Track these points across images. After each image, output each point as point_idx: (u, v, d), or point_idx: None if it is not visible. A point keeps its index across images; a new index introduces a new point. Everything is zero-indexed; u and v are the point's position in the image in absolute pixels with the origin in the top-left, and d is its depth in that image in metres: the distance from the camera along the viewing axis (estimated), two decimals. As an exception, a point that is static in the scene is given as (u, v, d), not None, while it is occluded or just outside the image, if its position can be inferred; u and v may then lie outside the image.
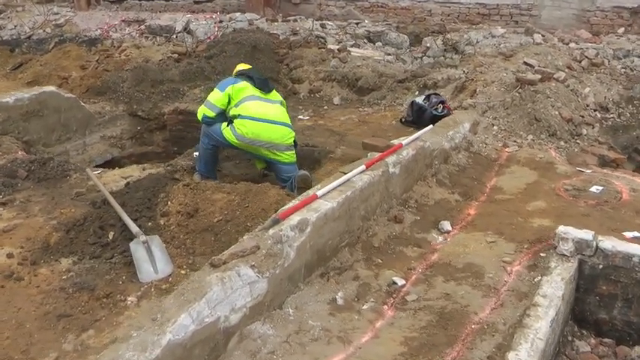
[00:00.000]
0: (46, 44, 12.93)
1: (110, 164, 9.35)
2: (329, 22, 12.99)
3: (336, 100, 9.87)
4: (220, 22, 13.45)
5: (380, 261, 5.40)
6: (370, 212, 5.73)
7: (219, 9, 15.84)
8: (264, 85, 6.96)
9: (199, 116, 6.88)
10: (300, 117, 9.33)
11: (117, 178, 6.91)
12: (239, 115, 6.63)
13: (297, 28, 12.56)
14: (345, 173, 5.69)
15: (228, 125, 6.71)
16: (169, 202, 5.69)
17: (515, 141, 8.28)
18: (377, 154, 6.27)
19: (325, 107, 9.86)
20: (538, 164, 7.65)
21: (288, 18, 13.92)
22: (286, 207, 5.03)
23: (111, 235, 5.47)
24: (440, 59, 11.06)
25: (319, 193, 5.20)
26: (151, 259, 5.01)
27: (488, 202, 6.69)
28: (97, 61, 11.20)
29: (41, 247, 5.44)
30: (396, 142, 6.67)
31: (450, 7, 14.39)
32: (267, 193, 5.64)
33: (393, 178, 6.11)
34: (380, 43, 11.98)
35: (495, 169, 7.63)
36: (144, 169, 7.19)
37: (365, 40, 11.92)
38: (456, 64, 10.26)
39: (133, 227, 5.29)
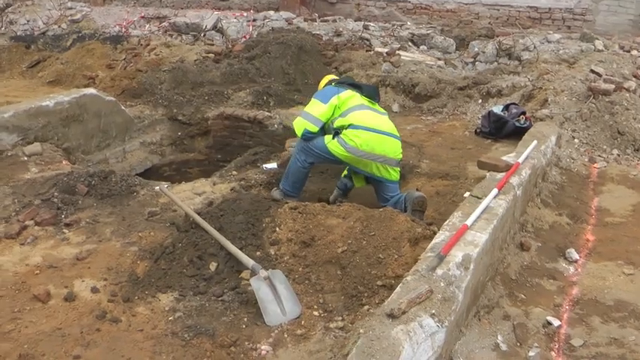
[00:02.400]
0: (64, 41, 11.98)
1: (150, 173, 8.47)
2: (371, 24, 12.16)
3: (395, 108, 9.11)
4: (254, 20, 12.55)
5: (523, 296, 4.79)
6: (502, 240, 5.05)
7: (249, 7, 14.95)
8: (373, 93, 6.16)
9: (299, 132, 6.01)
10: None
11: (189, 194, 6.09)
12: (350, 125, 5.79)
13: (341, 29, 11.75)
14: (479, 197, 5.01)
15: (334, 138, 5.85)
16: (277, 229, 4.92)
17: (600, 156, 7.71)
18: (496, 174, 5.56)
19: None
20: (634, 182, 7.08)
21: (326, 18, 13.13)
22: (439, 239, 4.26)
23: (213, 266, 4.72)
24: (494, 65, 10.30)
25: (468, 222, 4.39)
26: (277, 298, 4.25)
27: (600, 225, 6.11)
28: (124, 60, 10.25)
29: (129, 279, 4.69)
30: (506, 159, 5.90)
31: (498, 10, 13.71)
32: (395, 219, 4.86)
33: (518, 201, 5.42)
34: (424, 47, 11.24)
35: (591, 187, 7.07)
36: (214, 184, 6.39)
37: (409, 43, 11.11)
38: (518, 71, 9.51)
39: (247, 260, 4.52)
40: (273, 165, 6.93)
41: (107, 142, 8.18)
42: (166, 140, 8.94)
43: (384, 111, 6.17)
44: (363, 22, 12.61)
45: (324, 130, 5.98)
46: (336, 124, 5.82)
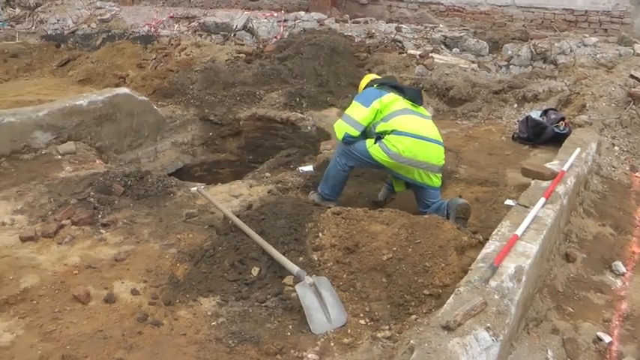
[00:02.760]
0: (93, 40, 11.98)
1: (181, 173, 8.40)
2: (404, 26, 12.02)
3: (429, 111, 8.91)
4: (285, 21, 12.45)
5: (571, 310, 4.65)
6: (549, 251, 4.95)
7: (279, 7, 14.86)
8: (416, 97, 6.01)
9: (339, 136, 5.79)
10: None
11: (225, 196, 6.01)
12: (393, 130, 5.65)
13: (373, 31, 11.64)
14: (526, 206, 4.90)
15: (375, 142, 5.72)
16: (320, 234, 4.81)
17: (641, 164, 7.42)
18: (541, 182, 5.47)
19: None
20: (678, 193, 6.78)
21: (357, 19, 13.00)
22: (489, 249, 4.21)
23: (255, 271, 4.61)
24: (529, 69, 10.13)
25: (518, 232, 4.27)
26: (322, 305, 4.14)
27: (647, 237, 5.79)
28: (154, 59, 10.19)
29: (169, 282, 4.60)
30: (550, 167, 5.76)
31: (533, 12, 13.50)
32: (441, 227, 4.73)
33: (563, 211, 5.30)
34: (457, 49, 11.09)
35: (633, 196, 6.88)
36: (250, 186, 6.29)
37: (442, 46, 10.96)
38: (554, 75, 9.33)
39: (291, 266, 4.41)
40: (309, 168, 6.83)
41: (139, 142, 8.12)
42: (198, 140, 8.87)
43: (428, 114, 6.02)
44: (395, 24, 12.45)
45: (366, 133, 5.85)
46: (379, 128, 5.70)
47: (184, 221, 5.46)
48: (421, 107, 5.96)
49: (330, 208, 5.15)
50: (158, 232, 5.28)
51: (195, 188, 5.96)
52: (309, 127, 8.47)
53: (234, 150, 9.03)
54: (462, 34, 11.55)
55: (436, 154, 5.72)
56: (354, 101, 5.95)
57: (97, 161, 6.98)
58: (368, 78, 6.42)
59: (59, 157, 6.95)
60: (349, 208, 5.14)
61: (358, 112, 5.76)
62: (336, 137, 5.96)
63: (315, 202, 5.94)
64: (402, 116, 5.68)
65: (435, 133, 5.78)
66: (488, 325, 3.48)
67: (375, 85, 6.03)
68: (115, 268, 4.74)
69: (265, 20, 12.65)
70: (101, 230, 5.31)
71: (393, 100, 5.77)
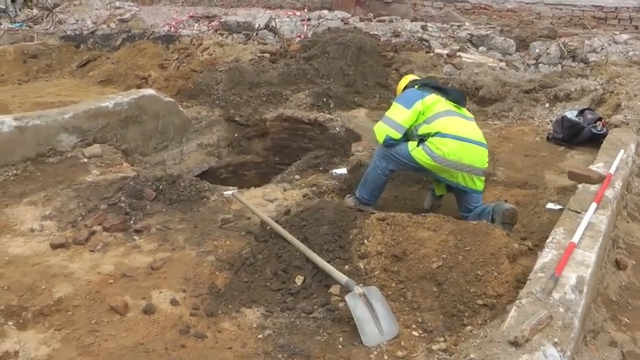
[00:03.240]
0: (113, 40, 11.81)
1: (207, 175, 8.23)
2: (429, 24, 11.80)
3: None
4: (308, 20, 12.25)
5: (627, 320, 4.45)
6: (601, 258, 4.72)
7: (301, 6, 14.66)
8: (459, 98, 5.80)
9: (380, 138, 5.60)
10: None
11: (260, 200, 5.82)
12: (437, 132, 5.44)
13: (399, 30, 11.41)
14: (578, 212, 4.73)
15: (418, 145, 5.51)
16: (366, 241, 4.60)
17: (680, 166, 7.17)
18: (589, 186, 5.30)
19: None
20: None
21: (382, 18, 12.78)
22: (546, 258, 4.04)
23: (299, 280, 4.41)
24: (558, 67, 9.89)
25: (575, 240, 4.08)
26: (374, 316, 3.94)
27: (695, 243, 5.58)
28: (176, 59, 10.01)
29: (209, 291, 4.42)
30: (596, 169, 5.54)
31: (561, 9, 13.24)
32: (491, 233, 4.52)
33: (613, 216, 5.06)
34: (483, 48, 10.85)
35: (676, 198, 6.52)
36: (285, 190, 6.10)
37: (468, 45, 10.73)
38: (586, 74, 9.09)
39: (340, 275, 4.21)
40: (343, 170, 6.64)
41: (165, 144, 7.95)
42: (223, 142, 8.71)
43: (471, 116, 5.81)
44: (420, 23, 12.23)
45: (407, 135, 5.64)
46: (421, 130, 5.49)
47: (220, 227, 5.28)
48: (464, 109, 5.76)
49: (373, 213, 4.93)
50: (194, 238, 5.09)
51: (231, 192, 5.78)
52: (337, 128, 8.27)
53: (260, 151, 8.86)
54: (488, 33, 11.33)
55: (480, 157, 5.51)
56: (394, 103, 5.74)
57: (124, 164, 6.81)
58: (407, 79, 6.21)
59: (85, 160, 6.78)
60: (394, 213, 4.92)
61: (400, 114, 5.56)
62: (375, 140, 5.73)
63: (352, 206, 5.70)
64: (445, 118, 5.48)
65: (478, 135, 5.57)
66: (556, 340, 3.29)
67: (416, 86, 5.81)
68: (151, 276, 4.55)
69: (288, 19, 12.46)
70: (134, 237, 5.13)
71: (435, 102, 5.56)
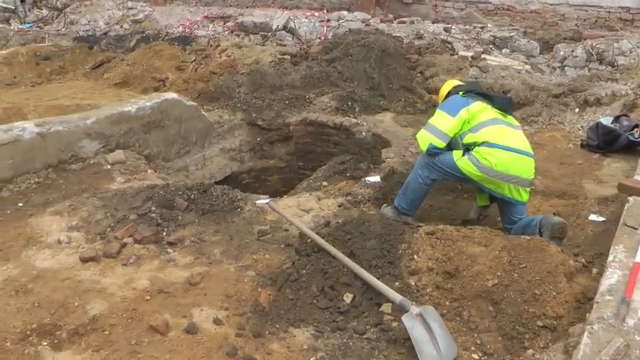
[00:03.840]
0: (127, 41, 11.57)
1: (229, 180, 8.00)
2: (452, 26, 11.56)
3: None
4: (328, 20, 12.01)
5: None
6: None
7: (318, 6, 14.40)
8: (506, 106, 5.56)
9: (423, 147, 5.36)
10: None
11: (295, 210, 5.60)
12: (484, 142, 5.20)
13: (422, 32, 11.16)
14: (635, 228, 4.48)
15: (464, 154, 5.27)
16: (415, 256, 4.39)
17: None
18: None
19: (477, 124, 8.40)
20: None
21: (403, 19, 12.55)
22: (612, 279, 3.82)
23: (348, 297, 4.21)
24: (584, 71, 9.64)
25: (639, 259, 3.87)
26: (432, 338, 3.73)
27: None
28: (194, 61, 9.77)
29: (253, 309, 4.24)
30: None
31: (587, 11, 12.98)
32: (546, 250, 4.30)
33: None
34: (507, 50, 10.62)
35: None
36: (319, 199, 5.85)
37: (491, 47, 10.49)
38: (615, 78, 8.84)
39: (393, 294, 4.01)
40: (376, 178, 6.41)
41: (187, 149, 7.73)
42: (245, 146, 8.48)
43: (517, 124, 5.56)
44: (443, 25, 12.00)
45: (450, 144, 5.40)
46: (467, 139, 5.25)
47: (257, 239, 5.05)
48: (510, 116, 5.50)
49: (420, 226, 4.70)
50: (230, 251, 4.87)
51: (264, 201, 5.56)
52: (363, 133, 8.04)
53: (284, 156, 8.63)
54: (511, 34, 11.09)
55: (528, 168, 5.28)
56: (438, 110, 5.50)
57: (149, 171, 6.60)
58: (450, 84, 5.96)
59: (109, 166, 6.57)
60: (442, 226, 4.70)
61: (444, 122, 5.31)
62: (419, 148, 5.49)
63: (390, 217, 5.47)
64: (492, 127, 5.23)
65: (526, 145, 5.33)
66: (636, 373, 3.05)
67: (460, 93, 5.56)
68: (190, 293, 4.33)
69: (306, 20, 12.21)
70: (168, 249, 4.91)
71: (481, 109, 5.32)
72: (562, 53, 10.58)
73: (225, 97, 8.71)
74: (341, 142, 8.30)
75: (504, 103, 5.55)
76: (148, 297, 4.27)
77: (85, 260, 4.68)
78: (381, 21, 12.47)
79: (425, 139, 5.37)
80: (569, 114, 8.65)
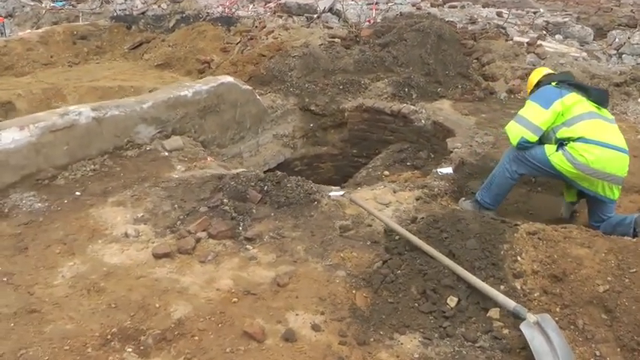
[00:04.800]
0: (165, 21, 11.23)
1: (281, 167, 7.69)
2: (504, 11, 11.12)
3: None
4: (376, 3, 11.58)
5: None
6: None
7: (362, -13, 13.95)
8: (602, 99, 5.17)
9: (514, 140, 5.01)
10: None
11: (373, 204, 5.29)
12: (580, 137, 4.83)
13: (475, 16, 10.71)
14: None
15: (558, 149, 4.90)
16: (519, 258, 4.09)
17: None
18: None
19: (541, 113, 8.00)
20: None
21: (453, 3, 12.09)
22: None
23: (452, 301, 3.89)
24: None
25: None
26: (552, 348, 3.41)
27: None
28: (239, 43, 9.40)
29: (352, 314, 3.92)
30: None
31: (644, -4, 12.48)
32: (655, 253, 3.89)
33: None
34: (560, 36, 10.16)
35: None
36: (394, 191, 5.48)
37: (544, 32, 10.05)
38: (681, 66, 8.44)
39: (505, 300, 3.73)
40: (448, 170, 6.07)
41: (241, 135, 7.43)
42: (298, 132, 8.17)
43: (612, 117, 5.17)
44: (495, 9, 11.56)
45: (541, 137, 5.03)
46: (560, 134, 4.89)
47: (340, 235, 4.69)
48: (605, 110, 5.11)
49: (517, 225, 4.36)
50: (314, 248, 4.56)
51: (341, 194, 5.24)
52: (422, 121, 7.69)
53: (337, 143, 8.30)
54: (565, 20, 10.68)
55: (622, 165, 4.91)
56: (529, 101, 5.13)
57: (209, 159, 6.27)
58: (539, 72, 5.57)
59: (166, 153, 6.26)
60: (542, 225, 4.38)
61: (537, 115, 4.95)
62: (509, 141, 5.12)
63: (469, 210, 5.21)
64: (588, 121, 4.86)
65: (621, 141, 4.95)
66: None
67: (553, 83, 5.18)
68: (280, 295, 4.01)
69: (353, 2, 11.81)
70: (247, 246, 4.60)
71: (576, 102, 4.94)
72: (617, 40, 10.15)
73: (277, 81, 8.36)
74: (398, 130, 7.96)
75: (600, 95, 5.15)
76: (235, 299, 3.96)
77: (158, 256, 4.38)
78: (432, 5, 12.07)
79: (516, 132, 5.01)
80: (632, 104, 8.28)
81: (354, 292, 4.07)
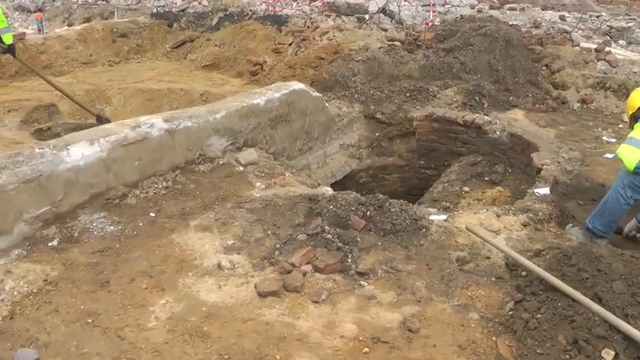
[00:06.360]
0: (208, 19, 10.78)
1: (346, 178, 7.27)
2: (566, 14, 10.65)
3: (626, 117, 7.59)
4: (432, 5, 11.08)
5: None
6: None
7: (411, -13, 13.45)
8: None
9: (630, 165, 4.64)
10: (605, 138, 7.07)
11: (481, 231, 4.70)
12: None
13: (539, 20, 10.23)
14: None
15: None
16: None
17: None
18: None
19: (620, 126, 7.58)
20: None
21: (512, 6, 11.61)
22: None
23: (608, 354, 3.45)
24: None
25: None
26: None
27: None
28: (291, 44, 8.92)
29: (497, 368, 3.33)
30: None
31: None
32: None
33: None
34: (623, 41, 9.68)
35: None
36: (498, 216, 5.03)
37: (607, 37, 9.59)
38: None
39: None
40: (545, 190, 5.67)
41: (309, 145, 7.02)
42: (364, 142, 7.76)
43: None
44: (557, 13, 11.09)
45: None
46: None
47: (459, 269, 4.24)
48: None
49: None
50: (435, 285, 4.18)
51: (442, 217, 4.90)
52: (497, 132, 7.25)
53: (404, 153, 7.89)
54: (629, 25, 10.16)
55: None
56: None
57: (286, 174, 5.81)
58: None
59: (241, 168, 5.84)
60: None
61: None
62: (624, 166, 4.69)
63: (575, 237, 4.97)
64: None
65: None
66: None
67: None
68: (414, 343, 3.62)
69: (406, 3, 11.31)
70: (360, 282, 4.17)
71: None
72: (685, 46, 9.69)
73: (340, 87, 7.92)
74: (470, 141, 7.53)
75: None
76: (366, 349, 3.55)
77: (264, 295, 3.96)
78: (491, 7, 11.59)
79: (632, 157, 4.64)
80: None
81: (494, 338, 3.68)
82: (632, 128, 4.88)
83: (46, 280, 3.96)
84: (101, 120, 7.23)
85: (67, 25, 11.46)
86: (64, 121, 7.59)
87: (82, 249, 4.36)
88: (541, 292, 3.92)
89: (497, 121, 7.38)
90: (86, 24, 10.77)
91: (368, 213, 4.77)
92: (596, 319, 3.62)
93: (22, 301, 3.76)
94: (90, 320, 3.61)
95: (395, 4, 10.91)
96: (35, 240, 4.35)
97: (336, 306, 3.91)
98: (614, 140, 7.17)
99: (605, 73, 8.46)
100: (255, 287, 4.01)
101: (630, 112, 5.15)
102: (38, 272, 4.04)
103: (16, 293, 3.81)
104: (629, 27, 9.98)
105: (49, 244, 4.37)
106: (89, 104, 8.44)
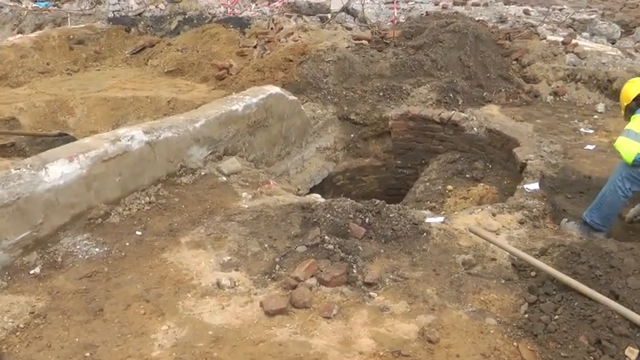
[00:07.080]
0: (167, 23, 10.49)
1: (323, 182, 7.16)
2: (530, 8, 10.72)
3: (600, 108, 7.79)
4: (396, 2, 11.01)
5: None
6: None
7: (373, -16, 13.34)
8: None
9: (628, 158, 4.66)
10: (583, 130, 7.11)
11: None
12: None
13: (504, 14, 10.25)
14: None
15: None
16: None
17: None
18: None
19: (595, 117, 7.63)
20: None
21: (476, 1, 11.60)
22: None
23: (632, 353, 3.41)
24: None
25: None
26: None
27: None
28: (256, 46, 8.75)
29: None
30: None
31: (672, -9, 12.19)
32: None
33: None
34: (586, 33, 9.79)
35: None
36: (493, 215, 5.01)
37: (571, 30, 9.69)
38: None
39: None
40: (534, 185, 5.68)
41: (287, 150, 6.90)
42: (339, 144, 7.63)
43: None
44: (522, 7, 11.15)
45: None
46: None
47: (467, 273, 4.16)
48: None
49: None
50: (446, 291, 4.09)
51: (440, 220, 4.78)
52: (475, 129, 7.21)
53: (380, 154, 7.81)
54: (591, 17, 10.29)
55: None
56: (638, 115, 4.71)
57: (272, 183, 5.68)
58: (636, 85, 5.12)
59: (224, 178, 5.67)
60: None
61: None
62: (622, 158, 4.70)
63: (571, 232, 4.98)
64: None
65: None
66: None
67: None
68: (437, 355, 3.54)
69: (369, 1, 11.17)
70: (370, 293, 4.04)
71: None
72: (645, 38, 9.83)
73: (312, 89, 7.77)
74: (447, 139, 7.49)
75: None
76: (389, 364, 3.37)
77: (272, 313, 3.78)
78: (454, 3, 11.58)
79: (630, 149, 4.66)
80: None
81: (515, 344, 3.60)
82: (628, 120, 4.87)
83: (32, 313, 3.69)
84: (66, 139, 6.90)
85: (18, 33, 11.01)
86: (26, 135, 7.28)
87: (67, 275, 4.10)
88: (554, 292, 3.88)
89: (474, 118, 7.35)
90: (40, 31, 10.36)
91: (367, 220, 4.65)
92: (616, 317, 3.59)
93: (9, 338, 3.47)
94: (88, 354, 3.38)
95: (358, 2, 10.81)
96: (15, 269, 4.08)
97: (349, 320, 3.78)
98: (591, 131, 7.21)
99: (574, 65, 8.53)
100: (262, 305, 3.84)
101: (625, 104, 5.16)
102: (23, 304, 3.76)
103: (0, 330, 3.54)
104: (592, 19, 10.11)
105: (31, 271, 4.09)
106: (51, 117, 8.13)
